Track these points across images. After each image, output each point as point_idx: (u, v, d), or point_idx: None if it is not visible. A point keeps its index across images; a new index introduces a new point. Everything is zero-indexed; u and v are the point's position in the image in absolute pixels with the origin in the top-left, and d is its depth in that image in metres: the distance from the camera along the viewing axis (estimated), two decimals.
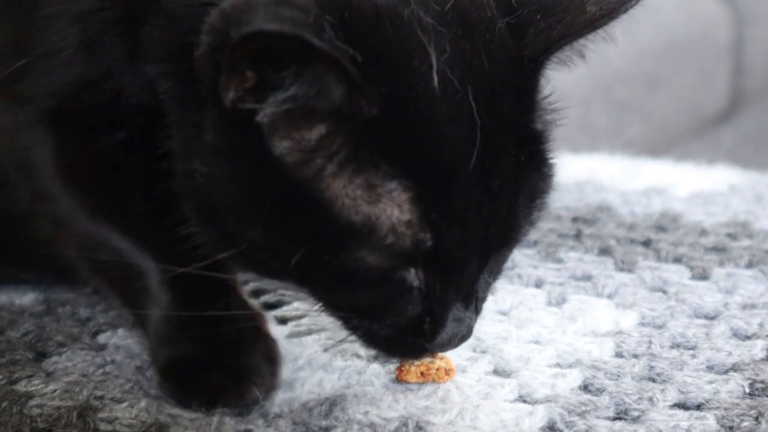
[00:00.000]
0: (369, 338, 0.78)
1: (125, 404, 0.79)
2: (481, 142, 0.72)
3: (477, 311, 0.79)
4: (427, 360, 0.81)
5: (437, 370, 0.81)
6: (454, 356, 0.85)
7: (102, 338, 0.90)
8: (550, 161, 0.80)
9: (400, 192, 0.72)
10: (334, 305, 0.78)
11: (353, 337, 0.79)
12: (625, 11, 0.80)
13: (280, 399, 0.81)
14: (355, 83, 0.68)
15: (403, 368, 0.82)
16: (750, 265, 1.05)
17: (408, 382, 0.82)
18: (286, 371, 0.82)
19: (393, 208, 0.72)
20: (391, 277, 0.75)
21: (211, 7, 0.73)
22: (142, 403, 0.79)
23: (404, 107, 0.71)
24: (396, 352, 0.80)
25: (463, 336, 0.78)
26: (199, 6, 0.75)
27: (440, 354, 0.81)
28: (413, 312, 0.76)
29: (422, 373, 0.82)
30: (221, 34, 0.71)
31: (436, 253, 0.73)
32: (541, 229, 1.14)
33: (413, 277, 0.75)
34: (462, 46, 0.74)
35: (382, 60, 0.70)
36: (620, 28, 0.81)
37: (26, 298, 0.99)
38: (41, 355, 0.87)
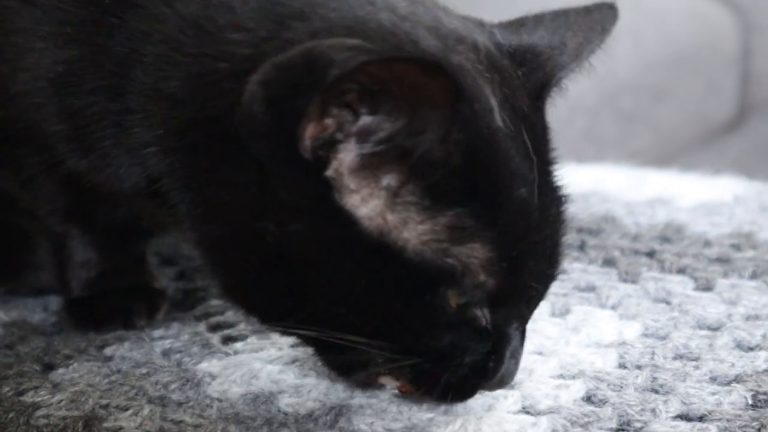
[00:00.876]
0: (440, 387, 0.77)
1: (129, 412, 0.80)
2: (537, 179, 0.75)
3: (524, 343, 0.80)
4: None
5: None
6: None
7: (108, 350, 0.91)
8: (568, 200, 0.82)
9: (484, 230, 0.73)
10: (409, 351, 0.76)
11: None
12: (603, 41, 0.85)
13: (285, 401, 0.81)
14: (452, 126, 0.69)
15: (404, 385, 0.82)
16: (754, 276, 1.05)
17: (411, 396, 0.82)
18: (292, 375, 0.85)
19: (481, 247, 0.73)
20: (467, 317, 0.75)
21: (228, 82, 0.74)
22: (146, 410, 0.80)
23: (476, 148, 0.72)
24: (456, 396, 0.78)
25: (514, 376, 0.79)
26: (210, 82, 0.75)
27: None
28: (483, 350, 0.77)
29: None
30: (283, 85, 0.69)
31: (513, 288, 0.75)
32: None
33: (481, 316, 0.76)
34: (504, 91, 0.75)
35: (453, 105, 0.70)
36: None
37: (36, 316, 1.00)
38: (48, 367, 0.88)
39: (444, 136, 0.70)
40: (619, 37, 2.43)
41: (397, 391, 0.82)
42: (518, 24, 0.84)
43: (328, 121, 0.70)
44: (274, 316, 0.77)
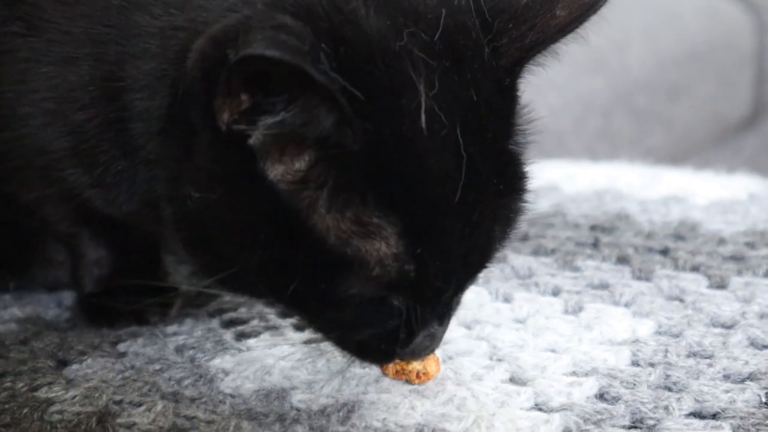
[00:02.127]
0: (345, 345, 0.81)
1: (143, 408, 0.80)
2: (465, 176, 0.73)
3: (447, 324, 0.81)
4: (404, 360, 0.83)
5: (410, 371, 0.83)
6: (470, 364, 0.86)
7: (122, 347, 0.91)
8: (524, 177, 0.81)
9: (388, 227, 0.73)
10: (319, 325, 0.80)
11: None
12: (595, 12, 0.80)
13: (297, 398, 0.82)
14: (345, 116, 0.69)
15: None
16: None
17: (387, 376, 0.84)
18: (305, 371, 0.85)
19: (381, 243, 0.73)
20: (375, 301, 0.76)
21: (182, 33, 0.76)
22: (159, 406, 0.80)
23: (390, 144, 0.71)
24: (367, 357, 0.81)
25: (432, 349, 0.81)
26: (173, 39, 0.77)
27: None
28: (392, 325, 0.78)
29: (397, 372, 0.84)
30: (212, 58, 0.71)
31: (418, 283, 0.75)
32: (559, 237, 1.14)
33: (395, 299, 0.77)
34: (451, 79, 0.74)
35: (370, 95, 0.70)
36: (592, 27, 0.81)
37: (51, 312, 1.00)
38: (62, 363, 0.88)
39: (338, 122, 0.70)
40: (633, 35, 2.45)
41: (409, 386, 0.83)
42: None
43: (243, 97, 0.71)
44: (207, 274, 0.79)
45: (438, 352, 0.84)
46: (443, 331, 0.81)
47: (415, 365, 0.83)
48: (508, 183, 0.78)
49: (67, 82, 0.83)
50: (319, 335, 0.82)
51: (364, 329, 0.78)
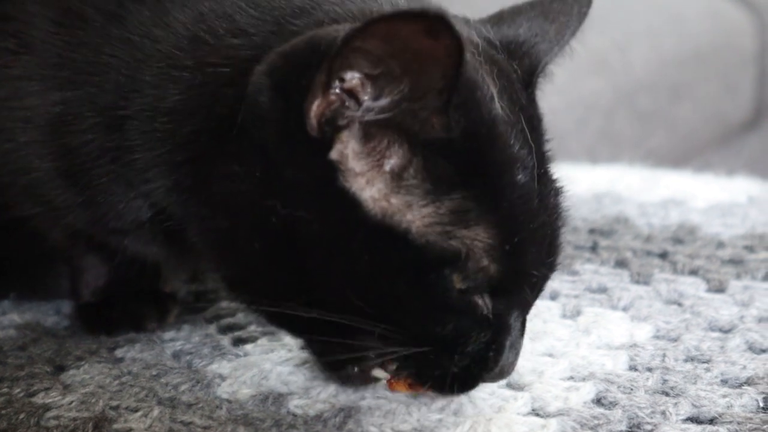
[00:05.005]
0: (439, 377, 0.77)
1: (140, 413, 0.80)
2: (537, 166, 0.75)
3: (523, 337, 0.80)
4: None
5: None
6: None
7: (119, 352, 0.91)
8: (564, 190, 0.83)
9: (487, 216, 0.73)
10: (412, 338, 0.76)
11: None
12: (582, 22, 0.86)
13: (294, 403, 0.82)
14: (452, 94, 0.70)
15: (392, 380, 0.82)
16: (767, 277, 1.04)
17: (399, 392, 0.82)
18: (302, 377, 0.85)
19: (483, 232, 0.73)
20: (469, 304, 0.76)
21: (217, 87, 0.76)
22: (156, 412, 0.80)
23: (477, 132, 0.73)
24: (459, 387, 0.78)
25: (514, 366, 0.79)
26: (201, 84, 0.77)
27: None
28: (484, 339, 0.77)
29: (410, 385, 0.82)
30: (287, 71, 0.72)
31: (514, 275, 0.76)
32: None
33: (483, 304, 0.76)
34: (503, 81, 0.77)
35: (459, 83, 0.71)
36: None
37: (50, 319, 1.00)
38: (59, 369, 0.88)
39: (444, 105, 0.70)
40: (635, 36, 2.45)
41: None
42: (497, 18, 0.85)
43: (333, 97, 0.71)
44: (278, 298, 0.76)
45: None
46: (522, 344, 0.80)
47: None
48: (557, 182, 0.81)
49: (63, 105, 0.83)
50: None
51: (463, 344, 0.76)
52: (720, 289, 1.02)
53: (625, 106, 2.19)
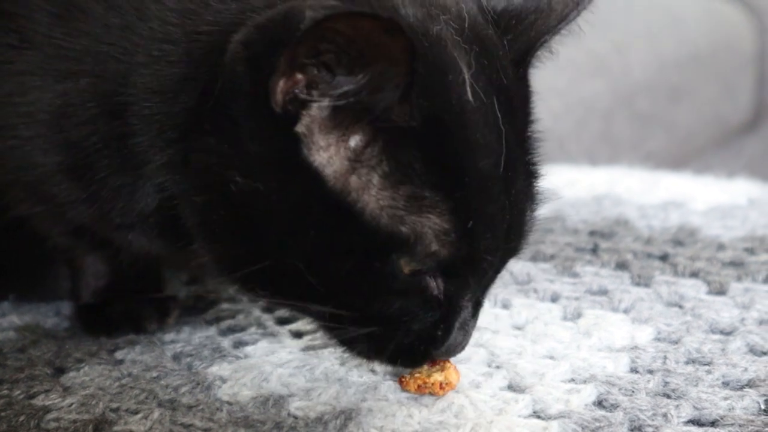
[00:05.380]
0: (379, 351, 0.80)
1: (140, 415, 0.80)
2: (505, 150, 0.76)
3: (477, 319, 0.82)
4: (425, 373, 0.83)
5: (433, 384, 0.83)
6: (468, 371, 0.86)
7: (119, 354, 0.91)
8: (542, 173, 0.83)
9: (442, 201, 0.74)
10: (359, 318, 0.78)
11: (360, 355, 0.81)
12: (591, 2, 0.85)
13: (295, 405, 0.82)
14: (410, 87, 0.70)
15: (403, 379, 0.83)
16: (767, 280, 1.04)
17: (409, 392, 0.83)
18: (302, 379, 0.85)
19: (436, 218, 0.74)
20: (418, 285, 0.77)
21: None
22: (156, 414, 0.80)
23: (441, 119, 0.73)
24: (405, 361, 0.81)
25: (465, 344, 0.81)
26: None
27: (441, 367, 0.83)
28: (432, 318, 0.78)
29: (419, 386, 0.83)
30: (259, 44, 0.73)
31: (466, 260, 0.76)
32: (558, 243, 1.14)
33: (434, 285, 0.78)
34: (482, 62, 0.77)
35: (422, 73, 0.71)
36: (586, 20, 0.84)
37: (50, 321, 1.00)
38: (59, 371, 0.88)
39: (402, 96, 0.71)
40: (634, 38, 2.44)
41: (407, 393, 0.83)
42: None
43: (299, 76, 0.72)
44: (236, 268, 0.77)
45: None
46: (474, 326, 0.81)
47: (437, 377, 0.83)
48: (532, 166, 0.81)
49: (64, 96, 0.82)
50: (337, 346, 0.82)
51: (408, 323, 0.78)
52: (721, 291, 1.02)
53: (624, 108, 2.19)
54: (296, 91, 0.72)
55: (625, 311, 0.98)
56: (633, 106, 2.22)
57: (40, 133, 0.84)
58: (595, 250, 1.12)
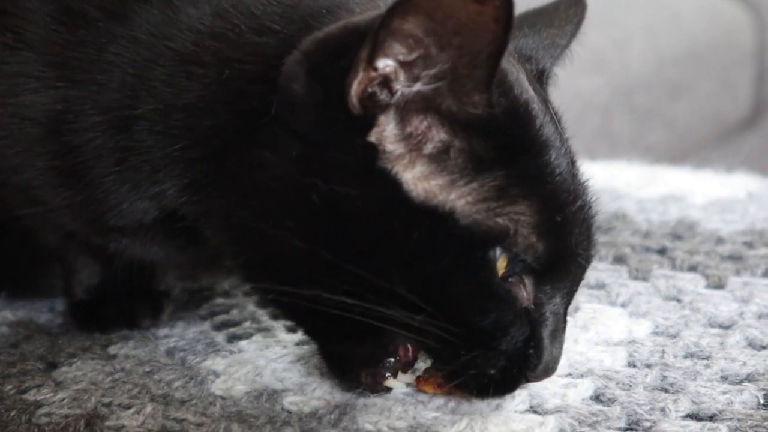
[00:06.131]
0: (477, 378, 0.76)
1: (132, 410, 0.79)
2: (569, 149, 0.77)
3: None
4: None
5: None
6: None
7: (112, 349, 0.90)
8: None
9: (527, 194, 0.74)
10: (452, 327, 0.74)
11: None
12: (579, 29, 0.88)
13: (289, 400, 0.81)
14: (496, 68, 0.70)
15: (422, 378, 0.81)
16: (767, 273, 1.03)
17: (426, 392, 0.81)
18: (297, 373, 0.84)
19: (526, 210, 0.74)
20: (509, 293, 0.75)
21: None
22: (148, 409, 0.79)
23: (516, 111, 0.73)
24: (504, 389, 0.77)
25: (559, 361, 0.78)
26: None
27: None
28: (522, 335, 0.76)
29: (439, 385, 0.80)
30: (324, 53, 0.72)
31: (557, 256, 0.76)
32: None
33: (523, 294, 0.76)
34: (524, 72, 0.78)
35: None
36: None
37: (43, 317, 0.99)
38: (51, 366, 0.87)
39: (487, 79, 0.70)
40: (633, 34, 2.44)
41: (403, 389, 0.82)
42: None
43: (374, 73, 0.71)
44: (307, 283, 0.75)
45: None
46: (564, 337, 0.79)
47: None
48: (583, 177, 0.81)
49: (64, 102, 0.81)
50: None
51: (503, 337, 0.75)
52: (719, 285, 1.01)
53: (623, 104, 2.18)
54: (373, 87, 0.72)
55: (623, 305, 0.97)
56: (632, 101, 2.22)
57: (34, 135, 0.83)
58: None
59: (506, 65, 0.74)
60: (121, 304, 0.96)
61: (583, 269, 0.79)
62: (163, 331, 0.93)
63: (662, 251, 1.10)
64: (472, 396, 0.78)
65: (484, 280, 0.74)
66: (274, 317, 0.94)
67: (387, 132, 0.73)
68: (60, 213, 0.86)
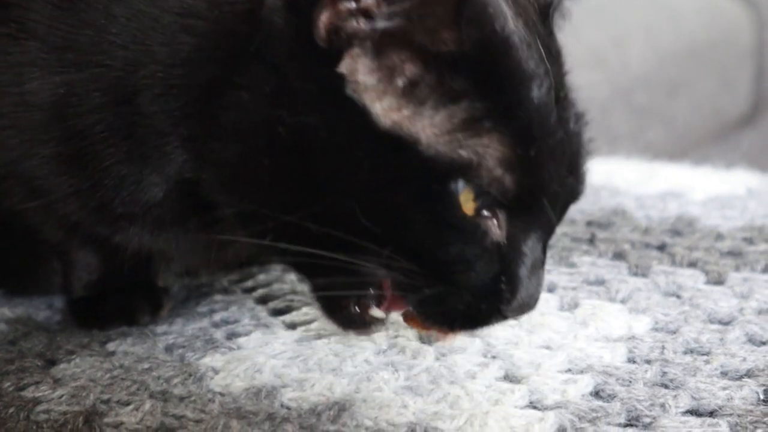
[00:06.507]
0: (444, 312, 0.77)
1: (131, 407, 0.79)
2: (555, 87, 0.75)
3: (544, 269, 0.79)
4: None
5: None
6: (463, 361, 0.85)
7: (111, 346, 0.90)
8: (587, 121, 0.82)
9: (500, 126, 0.73)
10: (415, 261, 0.75)
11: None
12: None
13: (288, 396, 0.80)
14: (461, 9, 0.70)
15: (407, 314, 0.81)
16: (766, 269, 1.03)
17: (414, 329, 0.82)
18: (296, 370, 0.84)
19: (497, 144, 0.73)
20: (478, 228, 0.74)
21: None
22: (147, 405, 0.79)
23: (492, 45, 0.73)
24: (471, 323, 0.78)
25: (537, 297, 0.77)
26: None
27: None
28: (491, 271, 0.76)
29: (424, 321, 0.81)
30: None
31: (530, 192, 0.74)
32: (555, 233, 1.13)
33: (495, 229, 0.75)
34: (517, 8, 0.76)
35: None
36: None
37: (42, 314, 0.99)
38: (50, 363, 0.87)
39: (454, 18, 0.71)
40: (633, 31, 2.44)
41: (403, 382, 0.82)
42: None
43: (342, 7, 0.72)
44: (285, 210, 0.76)
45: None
46: (544, 277, 0.78)
47: None
48: (577, 110, 0.80)
49: (67, 87, 0.82)
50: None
51: (469, 271, 0.75)
52: (719, 281, 1.01)
53: (621, 101, 2.18)
54: (340, 21, 0.72)
55: (623, 301, 0.97)
56: (631, 99, 2.21)
57: (38, 123, 0.83)
58: (592, 240, 1.11)
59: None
60: (119, 301, 0.96)
61: (563, 205, 0.78)
62: (161, 328, 0.93)
63: (662, 247, 1.09)
64: (444, 328, 0.79)
65: (446, 212, 0.73)
66: (274, 314, 0.94)
67: (359, 63, 0.73)
68: (66, 202, 0.86)
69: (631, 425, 0.77)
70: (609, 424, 0.77)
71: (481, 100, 0.73)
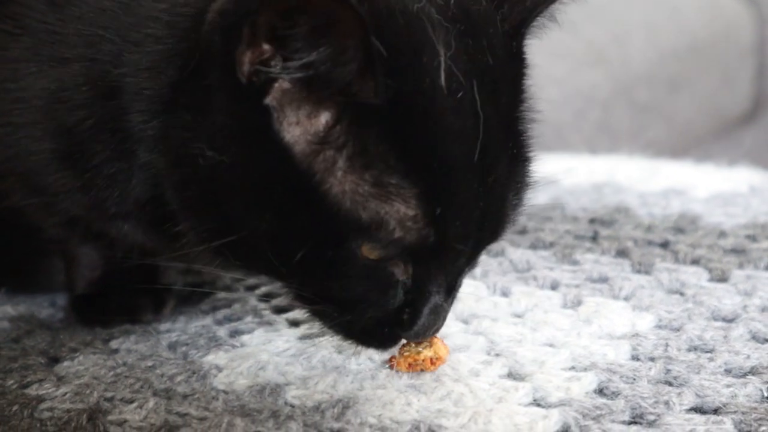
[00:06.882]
0: (347, 330, 0.79)
1: (134, 405, 0.79)
2: (482, 136, 0.74)
3: (452, 303, 0.81)
4: (414, 351, 0.83)
5: (423, 360, 0.83)
6: (467, 359, 0.85)
7: (114, 343, 0.90)
8: (531, 147, 0.81)
9: (408, 187, 0.73)
10: (320, 297, 0.78)
11: (329, 331, 0.80)
12: None
13: (292, 394, 0.81)
14: (370, 59, 0.69)
15: (393, 359, 0.83)
16: None
17: (401, 371, 0.83)
18: (299, 367, 0.84)
19: (401, 204, 0.73)
20: (382, 271, 0.76)
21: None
22: (151, 403, 0.79)
23: (411, 102, 0.72)
24: (372, 343, 0.81)
25: (438, 327, 0.80)
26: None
27: (429, 343, 0.83)
28: (394, 304, 0.78)
29: (410, 364, 0.83)
30: (233, 14, 0.71)
31: (434, 247, 0.75)
32: (558, 230, 1.13)
33: (401, 271, 0.77)
34: (466, 42, 0.75)
35: (392, 52, 0.70)
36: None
37: (44, 311, 0.99)
38: (53, 360, 0.87)
39: (363, 70, 0.70)
40: (634, 28, 2.44)
41: (407, 380, 0.82)
42: None
43: (265, 47, 0.71)
44: (211, 240, 0.77)
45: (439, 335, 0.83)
46: (448, 310, 0.80)
47: (426, 353, 0.83)
48: (519, 149, 0.79)
49: (59, 82, 0.82)
50: (317, 327, 0.81)
51: (369, 307, 0.77)
52: (722, 278, 1.01)
53: (623, 98, 2.18)
54: (260, 63, 0.71)
55: (626, 299, 0.97)
56: (632, 96, 2.21)
57: (33, 120, 0.83)
58: (595, 238, 1.11)
59: (422, 43, 0.72)
60: (123, 299, 0.96)
61: (471, 254, 0.79)
62: (164, 326, 0.93)
63: (665, 245, 1.09)
64: (357, 344, 0.81)
65: (349, 261, 0.74)
66: (277, 312, 0.94)
67: (285, 97, 0.72)
68: (63, 200, 0.86)
69: (635, 423, 0.77)
70: (613, 421, 0.77)
71: (393, 158, 0.72)
